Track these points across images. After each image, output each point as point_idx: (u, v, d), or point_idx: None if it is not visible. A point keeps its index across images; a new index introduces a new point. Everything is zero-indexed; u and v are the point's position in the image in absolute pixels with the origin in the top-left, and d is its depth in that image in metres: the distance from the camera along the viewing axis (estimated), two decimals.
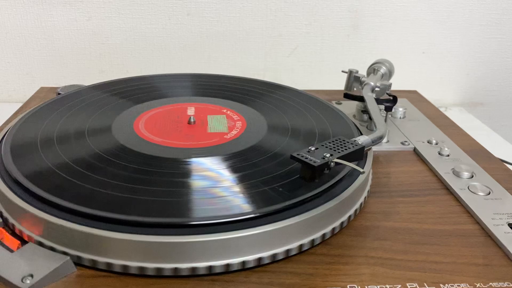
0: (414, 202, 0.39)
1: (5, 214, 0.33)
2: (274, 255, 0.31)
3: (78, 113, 0.46)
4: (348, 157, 0.33)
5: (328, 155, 0.32)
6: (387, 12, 0.78)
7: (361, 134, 0.44)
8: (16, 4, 0.72)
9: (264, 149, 0.40)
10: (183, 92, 0.54)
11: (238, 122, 0.45)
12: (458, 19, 0.79)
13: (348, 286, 0.29)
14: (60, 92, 0.53)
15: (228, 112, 0.47)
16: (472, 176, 0.42)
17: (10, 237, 0.31)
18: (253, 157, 0.39)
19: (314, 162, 0.31)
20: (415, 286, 0.30)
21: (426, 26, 0.79)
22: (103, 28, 0.74)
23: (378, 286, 0.29)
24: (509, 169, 0.45)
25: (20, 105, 0.58)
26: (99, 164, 0.36)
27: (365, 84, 0.50)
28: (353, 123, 0.47)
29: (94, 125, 0.43)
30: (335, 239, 0.34)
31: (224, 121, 0.45)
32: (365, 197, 0.38)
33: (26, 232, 0.31)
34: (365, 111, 0.52)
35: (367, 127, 0.51)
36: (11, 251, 0.30)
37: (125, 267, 0.29)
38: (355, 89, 0.53)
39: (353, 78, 0.52)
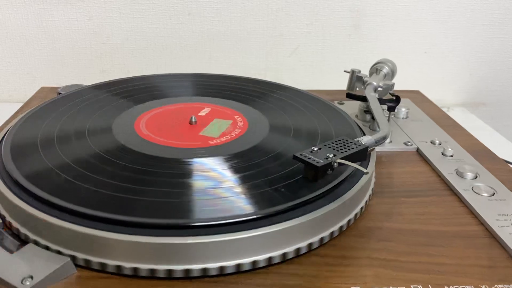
0: (417, 203, 0.39)
1: (5, 214, 0.32)
2: (276, 257, 0.30)
3: (78, 113, 0.46)
4: (351, 158, 0.32)
5: (331, 155, 0.31)
6: (389, 12, 0.77)
7: (364, 134, 0.44)
8: (16, 3, 0.71)
9: (266, 149, 0.40)
10: (185, 92, 0.54)
11: (240, 123, 0.44)
12: (460, 18, 0.79)
13: (351, 287, 0.29)
14: (61, 92, 0.53)
15: (236, 116, 0.46)
16: (476, 177, 0.42)
17: (10, 237, 0.31)
18: (255, 158, 0.38)
19: (317, 162, 0.30)
20: None
21: (428, 26, 0.79)
22: (104, 28, 0.74)
23: None
24: None
25: (20, 105, 0.57)
26: (100, 164, 0.36)
27: (367, 84, 0.49)
28: (356, 123, 0.46)
29: (95, 125, 0.43)
30: (338, 240, 0.33)
31: (223, 127, 0.44)
32: (368, 198, 0.37)
33: (26, 233, 0.31)
34: (367, 111, 0.52)
35: (369, 127, 0.51)
36: (11, 252, 0.29)
37: (125, 268, 0.29)
38: (357, 89, 0.53)
39: (355, 78, 0.52)
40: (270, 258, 0.30)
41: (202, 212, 0.31)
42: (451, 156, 0.46)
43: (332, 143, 0.34)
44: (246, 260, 0.29)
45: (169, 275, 0.29)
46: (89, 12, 0.73)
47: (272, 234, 0.30)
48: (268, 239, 0.30)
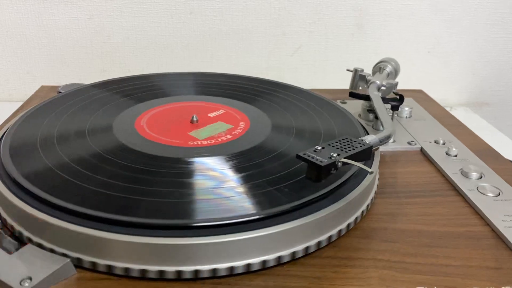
0: (422, 203, 0.38)
1: (4, 214, 0.32)
2: (279, 258, 0.30)
3: (78, 112, 0.45)
4: (355, 157, 0.32)
5: (335, 154, 0.31)
6: (392, 11, 0.77)
7: (368, 133, 0.43)
8: (17, 2, 0.71)
9: (269, 149, 0.39)
10: (186, 91, 0.53)
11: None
12: (464, 18, 0.78)
13: None
14: (61, 91, 0.53)
15: (241, 123, 0.45)
16: (481, 177, 0.41)
17: (9, 238, 0.30)
18: (257, 157, 0.38)
19: (321, 162, 0.30)
20: None
21: (431, 25, 0.78)
22: (105, 27, 0.74)
23: None
24: None
25: (20, 104, 0.57)
26: (100, 164, 0.36)
27: (371, 83, 0.49)
28: (359, 122, 0.46)
29: (95, 124, 0.43)
30: (342, 241, 0.33)
31: (217, 131, 0.42)
32: (372, 198, 0.37)
33: (25, 233, 0.30)
34: (371, 110, 0.51)
35: (372, 127, 0.50)
36: (9, 252, 0.29)
37: (126, 269, 0.28)
38: (360, 88, 0.52)
39: (358, 76, 0.52)
40: (272, 259, 0.30)
41: (204, 212, 0.30)
42: (456, 156, 0.45)
43: (336, 142, 0.33)
44: (249, 261, 0.29)
45: (178, 276, 0.28)
46: (89, 11, 0.72)
47: (275, 234, 0.29)
48: (271, 240, 0.29)
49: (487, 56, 0.82)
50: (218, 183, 0.34)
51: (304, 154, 0.31)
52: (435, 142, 0.48)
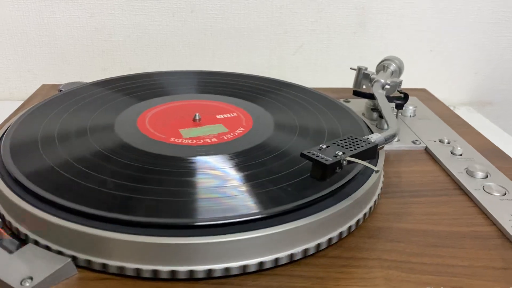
0: (427, 203, 0.38)
1: (4, 213, 0.32)
2: (283, 258, 0.29)
3: (80, 110, 0.45)
4: (360, 156, 0.31)
5: (340, 153, 0.30)
6: (394, 10, 0.76)
7: (372, 132, 0.43)
8: (18, 0, 0.70)
9: (272, 147, 0.39)
10: (189, 90, 0.53)
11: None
12: (467, 16, 0.78)
13: None
14: (62, 89, 0.52)
15: (240, 127, 0.44)
16: (487, 176, 0.41)
17: (9, 237, 0.30)
18: (260, 156, 0.37)
19: (326, 160, 0.29)
20: None
21: (433, 24, 0.78)
22: (106, 25, 0.73)
23: None
24: None
25: (21, 103, 0.56)
26: (102, 162, 0.35)
27: (375, 81, 0.48)
28: (364, 121, 0.45)
29: (96, 123, 0.42)
30: (347, 241, 0.32)
31: (211, 132, 0.41)
32: (377, 198, 0.36)
33: (26, 232, 0.30)
34: (374, 109, 0.51)
35: (376, 126, 0.50)
36: (10, 252, 0.29)
37: (128, 269, 0.28)
38: (364, 86, 0.52)
39: (362, 75, 0.51)
40: (276, 259, 0.29)
41: (207, 211, 0.30)
42: (461, 155, 0.45)
43: (341, 140, 0.33)
44: (252, 261, 0.29)
45: (173, 276, 0.28)
46: (90, 9, 0.72)
47: (279, 234, 0.29)
48: (275, 240, 0.29)
49: (490, 55, 0.81)
50: (221, 182, 0.34)
51: (308, 152, 0.30)
52: (439, 141, 0.48)
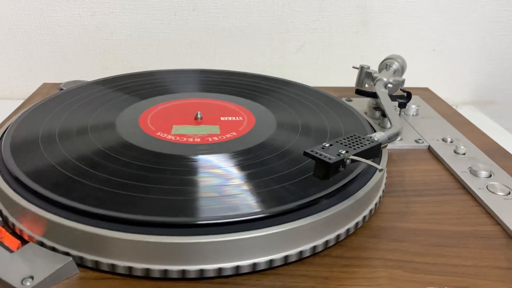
0: (430, 202, 0.37)
1: (5, 212, 0.31)
2: (286, 257, 0.29)
3: (81, 109, 0.44)
4: (364, 154, 0.31)
5: (343, 152, 0.30)
6: (396, 8, 0.76)
7: (375, 131, 0.42)
8: None
9: (274, 146, 0.39)
10: (192, 88, 0.53)
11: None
12: (469, 15, 0.78)
13: None
14: (63, 88, 0.52)
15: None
16: (490, 175, 0.41)
17: (10, 236, 0.30)
18: (263, 155, 0.37)
19: (329, 159, 0.29)
20: None
21: (436, 22, 0.78)
22: (107, 24, 0.73)
23: None
24: None
25: (22, 102, 0.56)
26: (103, 161, 0.35)
27: (377, 80, 0.48)
28: (366, 120, 0.45)
29: (98, 121, 0.42)
30: (350, 241, 0.32)
31: (200, 132, 0.41)
32: (380, 197, 0.36)
33: (27, 231, 0.30)
34: (377, 108, 0.51)
35: (379, 125, 0.50)
36: (11, 251, 0.28)
37: (130, 268, 0.28)
38: (366, 85, 0.51)
39: (364, 74, 0.51)
40: (280, 259, 0.29)
41: (210, 210, 0.30)
42: (464, 154, 0.45)
43: (344, 139, 0.32)
44: (255, 261, 0.28)
45: (183, 276, 0.28)
46: (92, 7, 0.72)
47: (282, 233, 0.29)
48: (278, 239, 0.29)
49: (493, 54, 0.81)
50: (224, 181, 0.33)
51: (312, 151, 0.30)
52: (442, 140, 0.47)
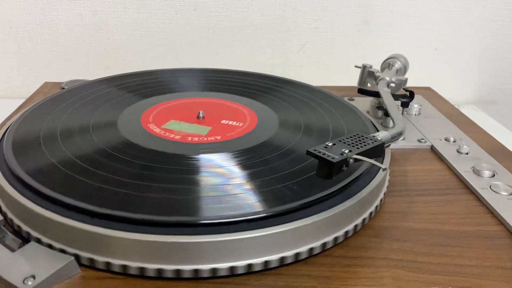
0: (433, 202, 0.37)
1: (6, 211, 0.31)
2: (288, 257, 0.29)
3: (82, 108, 0.44)
4: (367, 154, 0.31)
5: (346, 151, 0.30)
6: (398, 7, 0.76)
7: (377, 130, 0.42)
8: None
9: (276, 145, 0.39)
10: (195, 87, 0.52)
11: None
12: (471, 15, 0.77)
13: None
14: (64, 87, 0.52)
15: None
16: (494, 175, 0.40)
17: (11, 235, 0.30)
18: (265, 154, 0.37)
19: (333, 158, 0.29)
20: None
21: (438, 22, 0.77)
22: (109, 23, 0.73)
23: None
24: None
25: (23, 101, 0.56)
26: (105, 160, 0.35)
27: (380, 79, 0.48)
28: (369, 119, 0.45)
29: (99, 120, 0.42)
30: (353, 240, 0.32)
31: (188, 130, 0.41)
32: (382, 196, 0.36)
33: (28, 230, 0.29)
34: (379, 107, 0.51)
35: (381, 124, 0.49)
36: (12, 250, 0.28)
37: (132, 268, 0.27)
38: (368, 85, 0.51)
39: (366, 73, 0.51)
40: (282, 258, 0.29)
41: (211, 210, 0.30)
42: (467, 153, 0.44)
43: (347, 138, 0.32)
44: (257, 260, 0.28)
45: (177, 275, 0.27)
46: (93, 6, 0.72)
47: (284, 233, 0.29)
48: (280, 239, 0.29)
49: (495, 54, 0.81)
50: (225, 180, 0.33)
51: (315, 150, 0.30)
52: (445, 139, 0.47)
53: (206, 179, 0.33)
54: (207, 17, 0.74)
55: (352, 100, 0.58)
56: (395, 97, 0.46)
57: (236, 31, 0.75)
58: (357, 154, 0.30)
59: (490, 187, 0.39)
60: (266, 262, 0.28)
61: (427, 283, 0.28)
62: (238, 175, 0.34)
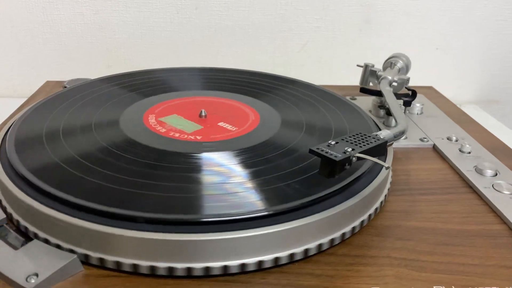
0: (436, 201, 0.37)
1: (9, 209, 0.31)
2: (292, 255, 0.29)
3: (85, 106, 0.44)
4: (370, 152, 0.31)
5: (349, 149, 0.30)
6: (400, 7, 0.76)
7: (379, 129, 0.42)
8: None
9: (278, 144, 0.39)
10: (196, 86, 0.52)
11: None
12: (473, 14, 0.77)
13: None
14: (66, 86, 0.52)
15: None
16: (496, 174, 0.40)
17: (15, 233, 0.30)
18: (267, 152, 0.37)
19: (335, 156, 0.29)
20: None
21: (439, 21, 0.77)
22: (110, 22, 0.73)
23: None
24: None
25: (25, 100, 0.56)
26: (107, 158, 0.35)
27: (382, 78, 0.48)
28: (371, 118, 0.45)
29: (102, 119, 0.42)
30: (356, 239, 0.32)
31: (186, 128, 0.40)
32: (385, 195, 0.36)
33: (31, 228, 0.29)
34: (382, 106, 0.51)
35: (384, 123, 0.49)
36: (16, 248, 0.28)
37: (135, 266, 0.27)
38: (370, 84, 0.51)
39: (369, 72, 0.51)
40: (285, 257, 0.29)
41: (214, 208, 0.30)
42: (469, 153, 0.44)
43: (350, 137, 0.32)
44: (260, 259, 0.28)
45: (189, 273, 0.27)
46: (95, 6, 0.72)
47: (287, 231, 0.29)
48: (283, 237, 0.29)
49: (497, 53, 0.81)
50: (228, 178, 0.33)
51: (317, 148, 0.30)
52: (447, 139, 0.47)
53: (209, 177, 0.33)
54: (208, 16, 0.74)
55: (354, 99, 0.58)
56: (397, 96, 0.46)
57: (238, 30, 0.75)
58: (360, 152, 0.30)
59: (492, 186, 0.38)
60: (270, 261, 0.28)
61: (430, 282, 0.28)
62: (240, 173, 0.34)
